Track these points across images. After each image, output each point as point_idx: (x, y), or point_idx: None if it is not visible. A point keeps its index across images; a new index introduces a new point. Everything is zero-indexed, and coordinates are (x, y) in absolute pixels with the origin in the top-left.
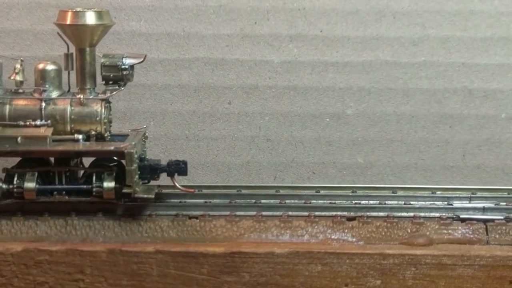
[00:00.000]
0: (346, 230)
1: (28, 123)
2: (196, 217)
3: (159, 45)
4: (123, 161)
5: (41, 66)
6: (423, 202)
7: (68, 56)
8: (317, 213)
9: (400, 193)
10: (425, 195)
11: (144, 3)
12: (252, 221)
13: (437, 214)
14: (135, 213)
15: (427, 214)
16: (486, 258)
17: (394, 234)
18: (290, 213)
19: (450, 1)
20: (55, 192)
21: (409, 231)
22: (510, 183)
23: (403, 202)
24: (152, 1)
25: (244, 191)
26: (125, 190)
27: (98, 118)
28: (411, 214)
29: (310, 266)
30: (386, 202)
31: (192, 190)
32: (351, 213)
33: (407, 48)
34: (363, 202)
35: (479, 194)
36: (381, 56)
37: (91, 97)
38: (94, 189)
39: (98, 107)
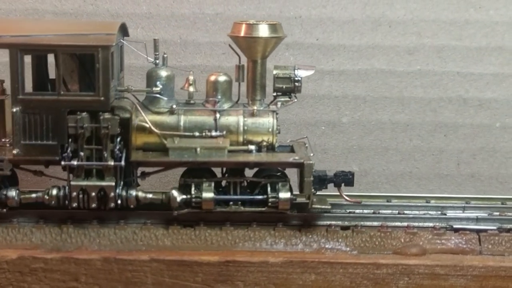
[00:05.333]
0: (340, 240)
1: (204, 133)
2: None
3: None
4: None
5: (213, 77)
6: (417, 212)
7: (239, 67)
8: (312, 222)
9: (394, 201)
10: (419, 204)
11: (141, 10)
12: (247, 229)
13: (430, 224)
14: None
15: (420, 224)
16: (479, 269)
17: (387, 244)
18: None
19: (445, 10)
20: (231, 203)
21: (402, 240)
22: (504, 192)
23: (397, 211)
24: (149, 8)
25: None
26: (301, 201)
27: (270, 129)
28: (405, 223)
29: (304, 275)
30: (380, 211)
31: (359, 201)
32: (345, 222)
33: (403, 57)
34: (357, 211)
35: (473, 203)
36: (377, 64)
37: (261, 108)
38: (270, 200)
39: (270, 118)
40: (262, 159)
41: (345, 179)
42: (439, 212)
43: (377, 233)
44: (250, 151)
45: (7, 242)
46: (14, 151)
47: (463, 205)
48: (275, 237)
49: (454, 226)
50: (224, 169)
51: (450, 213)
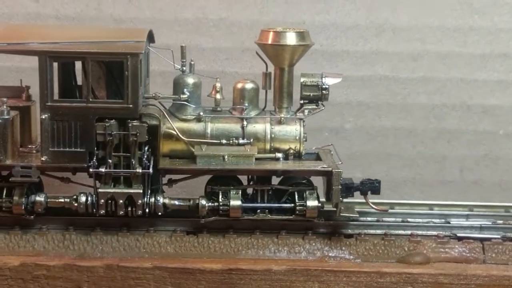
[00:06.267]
0: (343, 248)
1: (231, 141)
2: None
3: (158, 57)
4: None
5: (240, 85)
6: (420, 220)
7: (266, 75)
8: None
9: (397, 209)
10: (423, 212)
11: (144, 15)
12: (250, 237)
13: (434, 232)
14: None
15: (424, 232)
16: (482, 277)
17: (391, 252)
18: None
19: (449, 17)
20: (258, 210)
21: (406, 249)
22: (507, 199)
23: (401, 219)
24: (152, 13)
25: None
26: (329, 208)
27: (297, 137)
28: (408, 232)
29: (307, 284)
30: (384, 219)
31: (386, 209)
32: (349, 230)
33: (407, 63)
34: (361, 218)
35: (476, 211)
36: (380, 71)
37: (288, 116)
38: (297, 208)
39: (297, 126)
40: (290, 167)
41: (371, 187)
42: (443, 220)
43: (380, 241)
44: (277, 159)
45: (10, 249)
46: (43, 158)
47: (467, 213)
48: (278, 245)
49: (458, 235)
50: (250, 177)
51: (454, 221)
